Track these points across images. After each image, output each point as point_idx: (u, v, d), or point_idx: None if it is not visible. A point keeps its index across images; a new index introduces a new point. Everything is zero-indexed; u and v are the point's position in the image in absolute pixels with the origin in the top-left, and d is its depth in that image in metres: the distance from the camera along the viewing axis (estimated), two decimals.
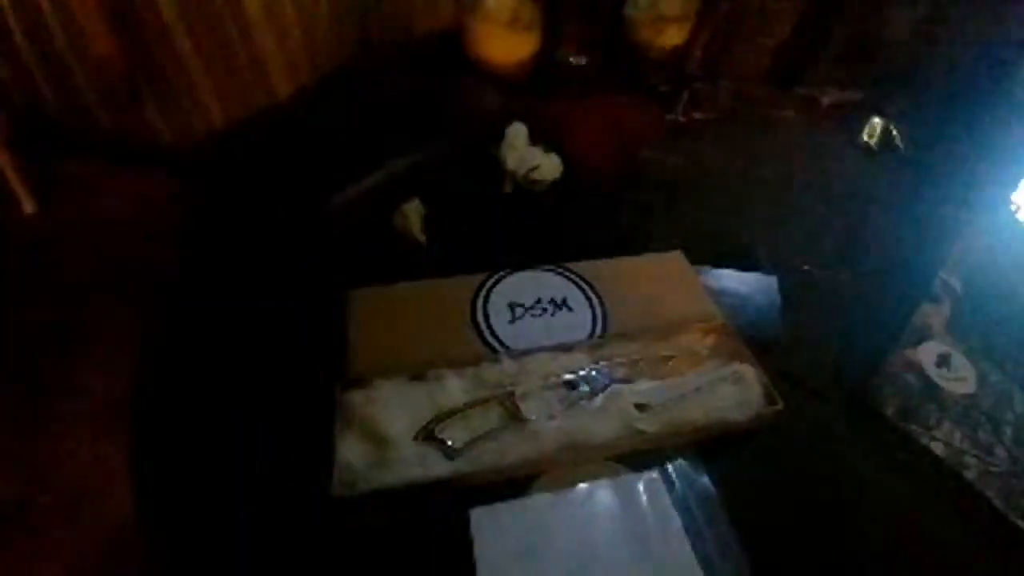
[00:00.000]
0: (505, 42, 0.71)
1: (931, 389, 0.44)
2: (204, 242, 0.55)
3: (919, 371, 0.44)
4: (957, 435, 0.42)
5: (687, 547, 0.32)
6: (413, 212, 0.49)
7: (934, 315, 0.49)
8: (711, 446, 0.37)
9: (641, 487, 0.35)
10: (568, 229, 0.54)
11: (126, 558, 0.36)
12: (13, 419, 0.47)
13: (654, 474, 0.35)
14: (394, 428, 0.33)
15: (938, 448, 0.41)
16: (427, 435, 0.33)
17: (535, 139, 0.59)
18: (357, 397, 0.34)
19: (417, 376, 0.36)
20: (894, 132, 0.71)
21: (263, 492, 0.36)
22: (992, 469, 0.41)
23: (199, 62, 0.79)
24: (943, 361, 0.46)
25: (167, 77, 0.81)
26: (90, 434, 0.50)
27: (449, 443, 0.33)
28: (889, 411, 0.41)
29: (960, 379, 0.46)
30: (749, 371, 0.38)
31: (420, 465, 0.32)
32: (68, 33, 0.77)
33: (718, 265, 0.48)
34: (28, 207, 1.08)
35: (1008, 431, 0.43)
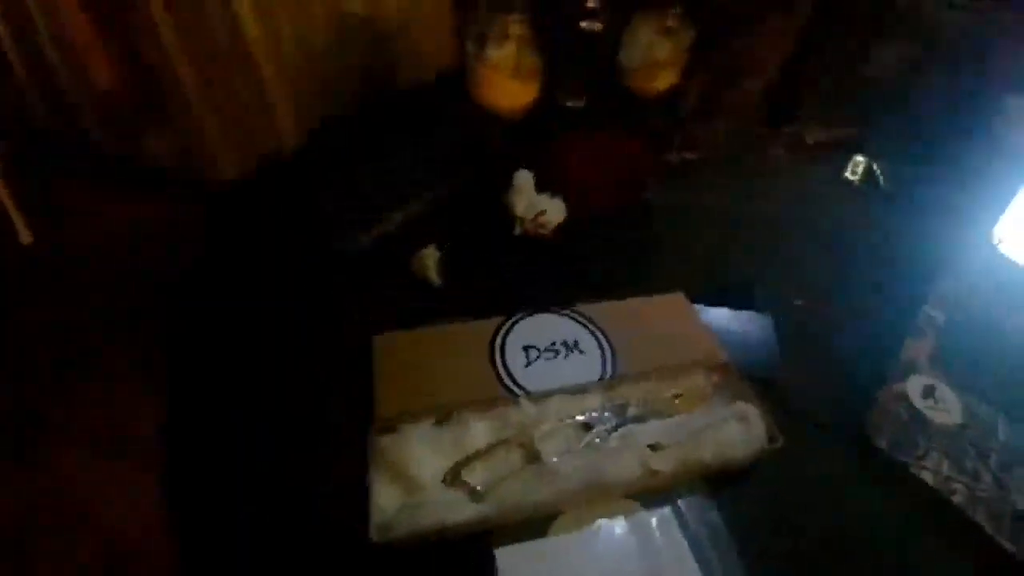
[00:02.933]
0: (508, 89, 0.75)
1: (919, 420, 0.47)
2: (215, 276, 0.57)
3: (907, 403, 0.47)
4: (945, 464, 0.45)
5: None
6: (429, 256, 0.52)
7: (919, 349, 0.52)
8: (716, 481, 0.39)
9: (655, 523, 0.37)
10: (574, 270, 0.57)
11: None
12: (12, 442, 0.48)
13: (666, 510, 0.38)
14: (424, 472, 0.35)
15: (927, 477, 0.44)
16: (454, 478, 0.36)
17: (539, 182, 0.62)
18: (387, 442, 0.36)
19: (441, 420, 0.38)
20: (876, 169, 0.75)
21: (286, 527, 0.37)
22: (979, 495, 0.43)
23: (201, 92, 0.81)
24: (929, 393, 0.49)
25: (169, 106, 0.83)
26: (90, 457, 0.51)
27: (476, 487, 0.35)
28: (883, 443, 0.44)
29: (946, 410, 0.49)
30: (752, 409, 0.40)
31: (449, 508, 0.34)
32: (68, 62, 0.78)
33: (714, 303, 0.51)
34: (24, 238, 1.08)
35: (994, 458, 0.45)
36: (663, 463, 0.37)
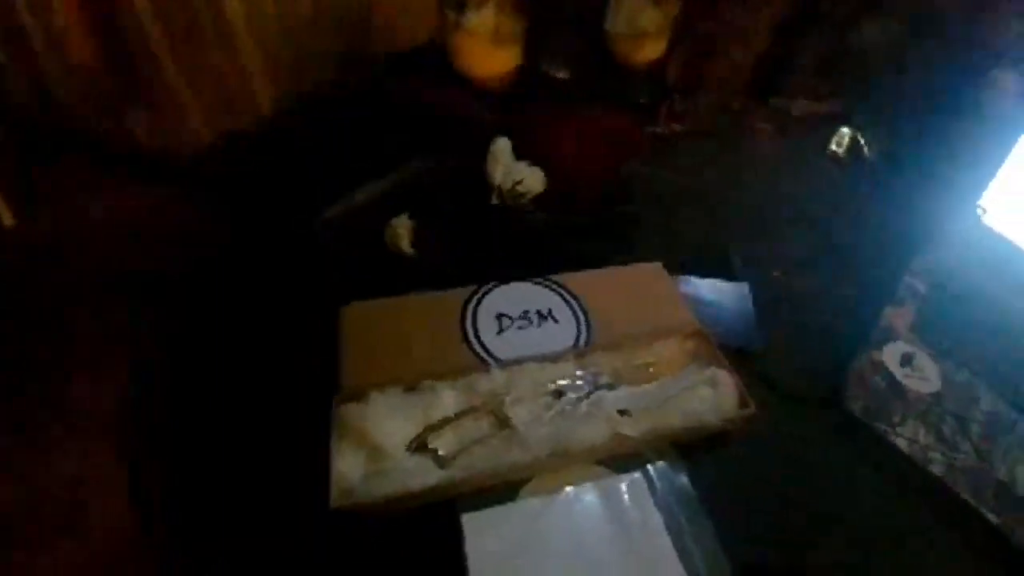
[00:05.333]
0: (488, 56, 0.73)
1: (896, 388, 0.47)
2: (193, 253, 0.56)
3: (884, 371, 0.47)
4: (921, 432, 0.45)
5: (668, 543, 0.34)
6: (402, 226, 0.51)
7: (898, 317, 0.52)
8: (691, 447, 0.39)
9: (624, 488, 0.36)
10: (552, 241, 0.56)
11: (126, 571, 0.37)
12: (5, 432, 0.47)
13: (637, 475, 0.37)
14: (389, 439, 0.35)
15: (902, 444, 0.43)
16: (420, 445, 0.35)
17: (519, 152, 0.60)
18: (352, 410, 0.35)
19: (410, 388, 0.38)
20: (862, 141, 0.74)
21: (259, 501, 0.37)
22: (957, 464, 0.43)
23: (180, 69, 0.79)
24: (907, 361, 0.49)
25: (148, 84, 0.80)
26: (84, 446, 0.51)
27: (441, 452, 0.35)
28: (856, 410, 0.44)
29: (924, 378, 0.48)
30: (724, 375, 0.40)
31: (414, 474, 0.34)
32: (49, 43, 0.76)
33: (694, 274, 0.50)
34: (6, 219, 1.07)
35: (975, 428, 0.45)
36: (632, 428, 0.36)
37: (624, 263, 0.51)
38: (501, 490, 0.35)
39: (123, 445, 0.42)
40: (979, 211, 0.63)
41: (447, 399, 0.37)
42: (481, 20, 0.70)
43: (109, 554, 0.38)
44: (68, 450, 0.44)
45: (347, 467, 0.33)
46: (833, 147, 0.73)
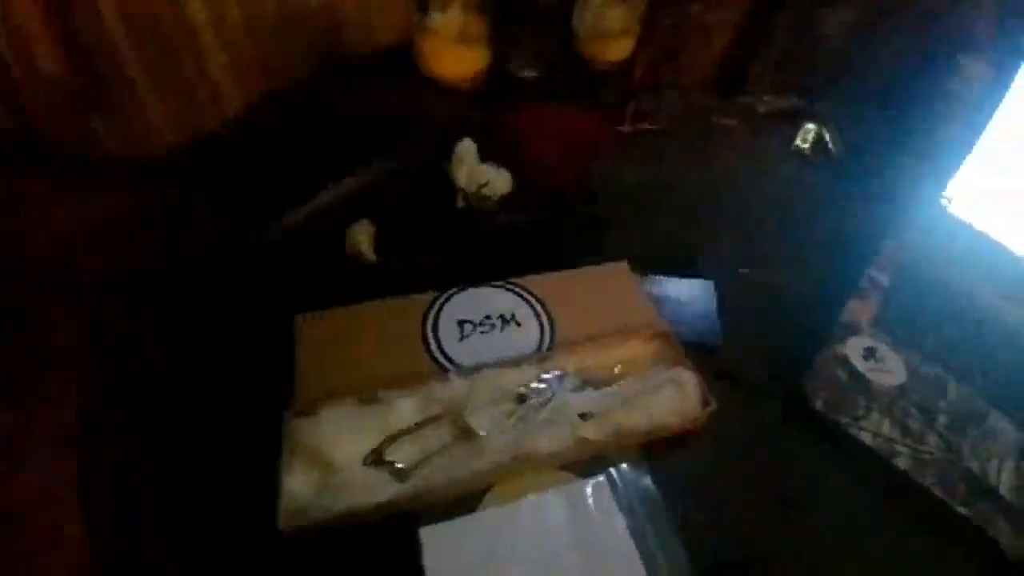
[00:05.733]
0: (455, 56, 0.72)
1: (859, 382, 0.47)
2: (152, 260, 0.54)
3: (847, 365, 0.47)
4: (885, 424, 0.45)
5: (631, 547, 0.34)
6: (362, 232, 0.50)
7: (862, 311, 0.53)
8: (655, 448, 0.39)
9: (588, 493, 0.36)
10: (519, 242, 0.55)
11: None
12: None
13: (601, 479, 0.37)
14: (343, 454, 0.33)
15: (866, 438, 0.43)
16: (377, 458, 0.34)
17: (488, 154, 0.60)
18: (303, 425, 0.34)
19: (367, 399, 0.37)
20: (827, 136, 0.75)
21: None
22: (925, 457, 0.43)
23: (145, 74, 0.77)
24: (870, 354, 0.49)
25: (113, 90, 0.79)
26: (39, 461, 0.49)
27: (398, 464, 0.34)
28: (818, 404, 0.44)
29: (888, 371, 0.49)
30: (687, 375, 0.39)
31: (370, 489, 0.33)
32: (15, 49, 0.74)
33: (660, 272, 0.50)
34: None
35: (942, 419, 0.45)
36: (593, 432, 0.36)
37: (593, 263, 0.50)
38: (462, 501, 0.34)
39: (78, 461, 0.41)
40: (944, 201, 0.64)
41: (405, 410, 0.36)
42: (446, 21, 0.69)
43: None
44: (39, 463, 0.42)
45: (298, 485, 0.32)
46: (799, 143, 0.74)
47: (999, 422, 0.46)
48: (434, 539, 0.32)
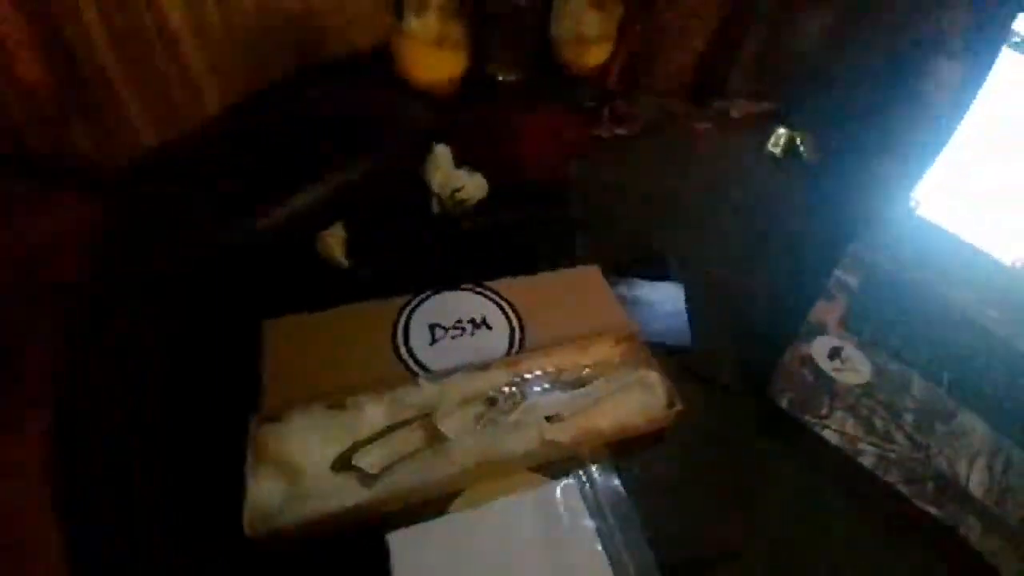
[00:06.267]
0: (432, 61, 0.72)
1: (824, 381, 0.48)
2: (125, 265, 0.53)
3: (812, 365, 0.48)
4: (850, 423, 0.45)
5: (599, 548, 0.34)
6: (334, 237, 0.50)
7: (828, 312, 0.54)
8: (624, 449, 0.39)
9: (557, 495, 0.36)
10: (493, 246, 0.56)
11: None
12: None
13: (570, 481, 0.37)
14: (310, 460, 0.33)
15: (832, 437, 0.44)
16: (344, 464, 0.34)
17: (464, 158, 0.60)
18: (270, 431, 0.34)
19: (335, 405, 0.37)
20: (798, 141, 0.77)
21: (177, 530, 0.35)
22: (890, 455, 0.43)
23: (125, 79, 0.77)
24: (835, 354, 0.50)
25: (93, 95, 0.78)
26: (14, 482, 0.47)
27: (366, 469, 0.34)
28: (784, 403, 0.45)
29: (853, 370, 0.50)
30: (654, 377, 0.40)
31: (337, 495, 0.33)
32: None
33: (630, 275, 0.50)
34: None
35: (908, 417, 0.46)
36: (563, 434, 0.36)
37: (566, 265, 0.51)
38: (431, 506, 0.35)
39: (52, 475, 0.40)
40: (913, 203, 0.65)
41: (374, 415, 0.36)
42: (423, 25, 0.69)
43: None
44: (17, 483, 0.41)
45: (264, 493, 0.32)
46: (771, 147, 0.76)
47: (967, 420, 0.47)
48: (402, 544, 0.32)
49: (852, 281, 0.58)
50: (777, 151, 0.75)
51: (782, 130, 0.76)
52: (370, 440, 0.35)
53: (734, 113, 0.80)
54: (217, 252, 0.52)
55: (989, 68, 0.57)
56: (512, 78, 0.78)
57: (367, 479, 0.34)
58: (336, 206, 0.54)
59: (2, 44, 0.66)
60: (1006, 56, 0.57)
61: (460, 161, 0.60)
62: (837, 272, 0.58)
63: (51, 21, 0.66)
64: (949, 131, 0.61)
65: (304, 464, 0.33)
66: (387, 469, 0.34)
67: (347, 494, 0.33)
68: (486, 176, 0.59)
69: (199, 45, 0.78)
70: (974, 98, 0.59)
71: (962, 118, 0.60)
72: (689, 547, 0.37)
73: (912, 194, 0.65)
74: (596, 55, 0.79)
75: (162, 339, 0.46)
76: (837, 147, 0.77)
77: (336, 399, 0.37)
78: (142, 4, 0.70)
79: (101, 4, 0.68)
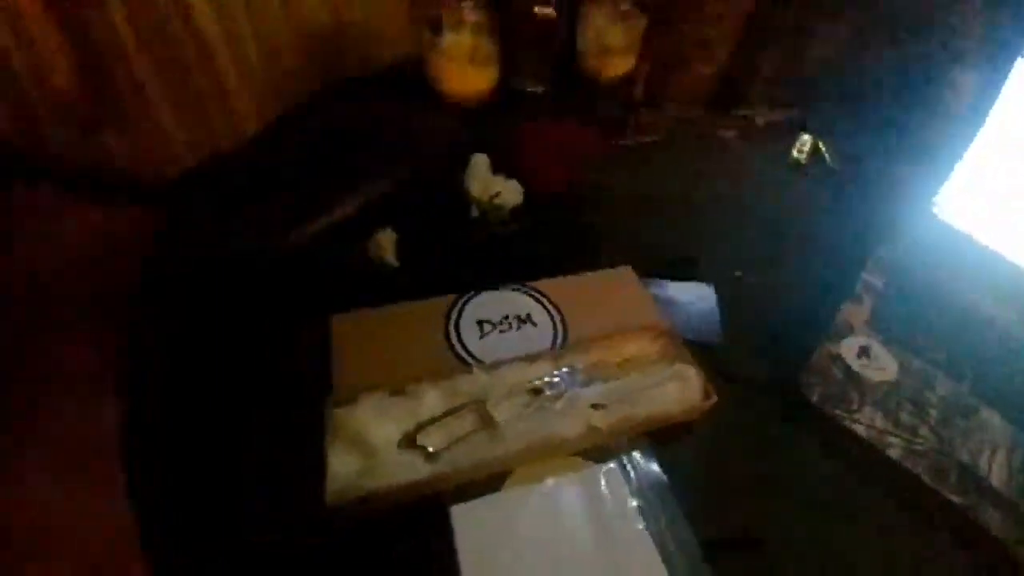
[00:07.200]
0: (465, 76, 0.76)
1: (853, 378, 0.50)
2: (168, 273, 0.56)
3: (841, 363, 0.50)
4: (878, 417, 0.48)
5: (641, 527, 0.37)
6: (386, 239, 0.53)
7: (856, 313, 0.56)
8: (662, 438, 0.42)
9: (602, 477, 0.39)
10: (529, 249, 0.59)
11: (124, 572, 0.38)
12: None
13: (612, 465, 0.40)
14: (379, 439, 0.37)
15: (860, 430, 0.46)
16: (409, 443, 0.37)
17: (497, 166, 0.64)
18: (344, 413, 0.38)
19: (397, 391, 0.40)
20: (822, 147, 0.79)
21: (258, 501, 0.38)
22: (917, 448, 0.45)
23: (159, 88, 0.80)
24: (863, 352, 0.52)
25: (126, 104, 0.82)
26: (53, 477, 0.49)
27: (429, 448, 0.37)
28: (815, 398, 0.47)
29: (880, 368, 0.52)
30: (690, 370, 0.43)
31: (403, 470, 0.36)
32: (28, 63, 0.77)
33: (661, 277, 0.53)
34: None
35: (933, 413, 0.48)
36: (603, 420, 0.39)
37: (595, 266, 0.54)
38: (486, 483, 0.38)
39: (107, 463, 0.42)
40: (935, 207, 0.67)
41: (432, 400, 0.40)
42: (458, 42, 0.73)
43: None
44: (39, 480, 0.43)
45: (341, 466, 0.35)
46: (795, 153, 0.78)
47: (989, 416, 0.49)
48: (464, 516, 0.36)
49: (878, 283, 0.60)
50: (802, 158, 0.77)
51: (806, 136, 0.78)
52: (430, 422, 0.39)
53: (758, 121, 0.82)
54: (266, 253, 0.55)
55: (1006, 77, 0.59)
56: (539, 90, 0.82)
57: (430, 456, 0.37)
58: (381, 214, 0.58)
59: (32, 50, 0.69)
60: (1022, 66, 0.58)
61: (495, 170, 0.63)
62: (864, 274, 0.60)
63: (82, 29, 0.68)
64: (969, 138, 0.63)
65: (374, 442, 0.37)
66: (447, 448, 0.38)
67: (413, 469, 0.36)
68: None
69: (234, 61, 0.82)
70: (992, 106, 0.61)
71: (981, 125, 0.62)
72: (721, 528, 0.39)
73: (934, 199, 0.67)
74: (620, 66, 0.82)
75: (201, 339, 0.49)
76: (860, 154, 0.78)
77: (398, 385, 0.40)
78: (175, 14, 0.72)
79: (131, 13, 0.69)
